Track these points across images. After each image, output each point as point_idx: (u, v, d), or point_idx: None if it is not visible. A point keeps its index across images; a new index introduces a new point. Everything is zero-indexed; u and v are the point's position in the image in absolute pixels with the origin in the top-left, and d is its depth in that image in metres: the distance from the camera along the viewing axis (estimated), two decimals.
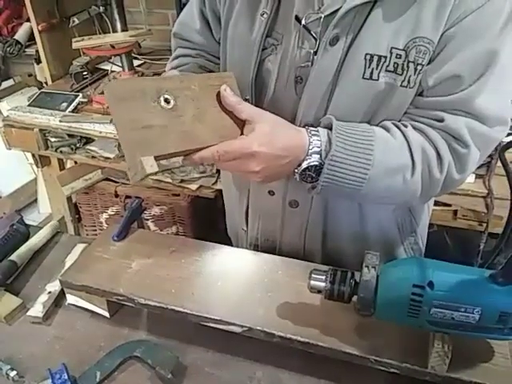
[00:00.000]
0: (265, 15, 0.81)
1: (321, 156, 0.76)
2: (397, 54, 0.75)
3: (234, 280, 0.85)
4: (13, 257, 0.99)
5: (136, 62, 2.15)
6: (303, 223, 0.94)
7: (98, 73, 2.18)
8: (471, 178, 1.51)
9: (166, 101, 0.74)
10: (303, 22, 0.78)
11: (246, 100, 0.85)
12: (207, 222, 2.07)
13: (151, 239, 0.95)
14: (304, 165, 0.76)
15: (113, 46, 1.93)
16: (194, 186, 1.82)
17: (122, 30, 2.01)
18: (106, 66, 2.17)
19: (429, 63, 0.76)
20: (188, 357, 0.82)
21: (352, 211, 0.92)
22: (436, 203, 1.56)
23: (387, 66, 0.75)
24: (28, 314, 0.90)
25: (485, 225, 1.53)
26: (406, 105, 0.80)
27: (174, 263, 0.88)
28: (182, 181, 1.84)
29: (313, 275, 0.72)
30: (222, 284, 0.84)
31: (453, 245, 1.76)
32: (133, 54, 2.11)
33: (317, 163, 0.76)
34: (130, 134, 0.70)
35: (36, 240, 1.05)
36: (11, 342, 0.86)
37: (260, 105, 0.86)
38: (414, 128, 0.79)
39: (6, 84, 2.60)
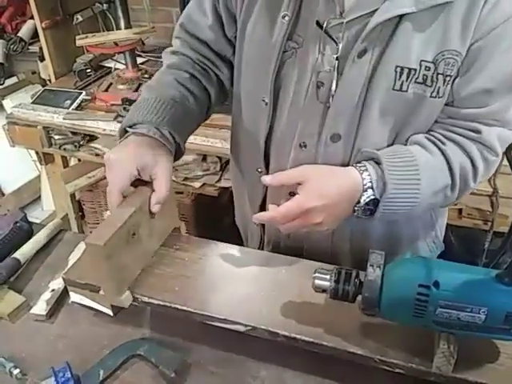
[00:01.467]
0: (286, 18, 0.80)
1: (373, 190, 0.79)
2: (426, 67, 0.76)
3: (238, 278, 0.85)
4: (16, 254, 0.99)
5: (139, 60, 2.15)
6: None
7: (101, 70, 2.18)
8: None
9: (133, 234, 0.81)
10: (324, 27, 0.78)
11: (263, 101, 0.87)
12: (211, 219, 2.06)
13: None
14: (362, 202, 0.80)
15: (116, 44, 1.93)
16: (197, 184, 1.82)
17: (126, 28, 2.00)
18: (110, 64, 2.17)
19: (458, 74, 0.78)
20: (191, 355, 0.81)
21: None
22: None
23: (416, 78, 0.77)
24: (31, 311, 0.90)
25: (490, 223, 1.53)
26: (435, 114, 0.83)
27: (178, 261, 0.88)
28: (185, 178, 1.83)
29: (317, 274, 0.72)
30: (226, 282, 0.84)
31: (458, 243, 1.74)
32: (136, 52, 2.10)
33: (372, 197, 0.80)
34: (111, 279, 0.78)
35: (39, 238, 1.04)
36: (14, 340, 0.86)
37: (278, 108, 0.88)
38: (450, 140, 0.83)
39: (9, 81, 2.60)
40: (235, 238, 1.12)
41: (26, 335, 0.87)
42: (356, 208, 0.81)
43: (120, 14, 1.98)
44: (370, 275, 0.67)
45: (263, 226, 1.04)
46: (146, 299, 0.81)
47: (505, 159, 1.42)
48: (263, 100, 0.87)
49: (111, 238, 0.74)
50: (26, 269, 1.00)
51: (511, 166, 0.74)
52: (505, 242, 0.75)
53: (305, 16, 0.80)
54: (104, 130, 1.83)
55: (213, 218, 2.05)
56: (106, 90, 1.98)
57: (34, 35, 2.35)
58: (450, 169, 0.81)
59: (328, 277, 0.71)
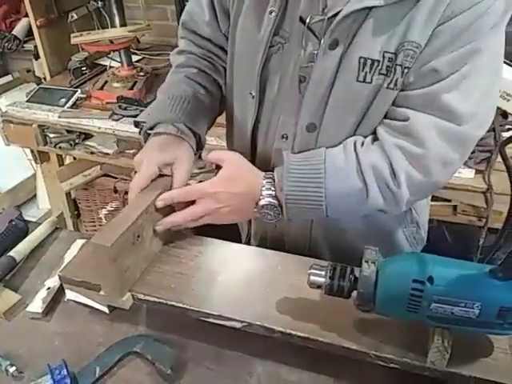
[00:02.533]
0: (273, 13, 0.82)
1: (273, 196, 0.83)
2: (389, 58, 0.76)
3: (233, 275, 0.85)
4: (12, 252, 0.98)
5: (135, 58, 2.15)
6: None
7: (96, 68, 2.17)
8: (471, 174, 1.50)
9: (138, 237, 0.81)
10: (307, 22, 0.79)
11: (250, 94, 0.89)
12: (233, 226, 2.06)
13: None
14: (260, 204, 0.84)
15: (111, 42, 1.93)
16: (193, 182, 1.82)
17: (121, 25, 2.00)
18: (105, 62, 2.17)
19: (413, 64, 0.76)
20: (187, 352, 0.81)
21: None
22: (436, 199, 1.56)
23: (380, 69, 0.77)
24: (27, 309, 0.89)
25: (484, 220, 1.53)
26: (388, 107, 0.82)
27: (174, 259, 0.88)
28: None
29: (312, 270, 0.72)
30: (222, 279, 0.84)
31: (452, 240, 1.76)
32: (131, 50, 2.10)
33: (270, 203, 0.83)
34: (115, 280, 0.78)
35: (35, 236, 1.04)
36: (10, 338, 0.86)
37: (265, 101, 0.90)
38: (375, 137, 0.82)
39: (4, 80, 2.60)
40: (232, 235, 1.13)
41: (22, 333, 0.87)
42: (255, 209, 0.85)
43: (115, 11, 1.97)
44: (364, 271, 0.68)
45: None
46: (142, 296, 0.81)
47: (499, 156, 1.43)
48: (250, 93, 0.90)
49: (118, 240, 0.74)
50: (22, 267, 1.00)
51: (505, 162, 0.73)
52: (499, 238, 0.76)
53: (290, 12, 0.82)
54: (99, 128, 1.82)
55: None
56: (101, 88, 1.97)
57: (29, 33, 2.34)
58: (361, 172, 0.80)
59: (323, 273, 0.71)
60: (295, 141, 0.89)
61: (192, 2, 1.00)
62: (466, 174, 1.50)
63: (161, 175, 0.88)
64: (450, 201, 1.57)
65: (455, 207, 1.58)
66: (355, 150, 0.82)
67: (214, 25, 0.97)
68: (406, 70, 0.77)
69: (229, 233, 1.11)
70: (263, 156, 0.96)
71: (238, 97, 0.97)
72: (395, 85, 0.78)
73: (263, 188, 0.84)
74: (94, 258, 0.77)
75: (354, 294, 0.70)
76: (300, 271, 0.81)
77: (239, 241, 1.15)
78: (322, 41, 0.79)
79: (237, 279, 0.84)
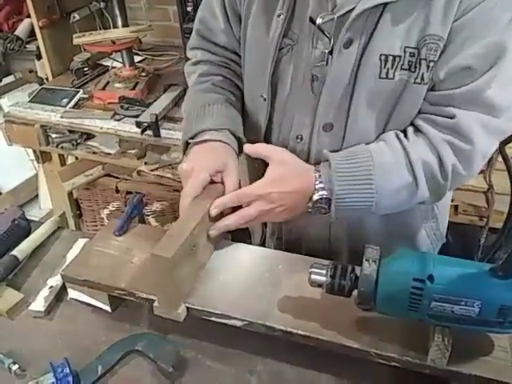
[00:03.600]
0: (281, 16, 0.83)
1: (325, 190, 0.81)
2: (410, 53, 0.77)
3: (235, 274, 0.85)
4: (14, 251, 0.99)
5: (137, 58, 2.15)
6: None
7: (98, 69, 2.18)
8: None
9: (194, 246, 0.80)
10: (317, 22, 0.80)
11: (261, 97, 0.90)
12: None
13: (152, 234, 0.94)
14: (313, 200, 0.82)
15: (113, 42, 1.93)
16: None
17: (123, 26, 2.00)
18: (107, 62, 2.17)
19: (439, 57, 0.77)
20: (189, 351, 0.82)
21: None
22: None
23: (402, 64, 0.78)
24: (30, 308, 0.90)
25: (485, 220, 1.53)
26: (419, 102, 0.82)
27: None
28: None
29: (313, 269, 0.72)
30: (223, 278, 0.84)
31: (453, 240, 1.75)
32: (134, 50, 2.10)
33: (325, 197, 0.82)
34: (173, 291, 0.77)
35: (37, 235, 1.05)
36: (13, 337, 0.86)
37: (276, 102, 0.90)
38: (420, 133, 0.82)
39: (6, 80, 2.60)
40: (237, 234, 1.13)
41: (25, 332, 0.87)
42: (308, 205, 0.83)
43: (117, 12, 1.98)
44: (365, 270, 0.68)
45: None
46: (144, 295, 0.82)
47: (500, 156, 1.43)
48: (261, 96, 0.90)
49: (178, 251, 0.73)
50: (24, 266, 1.00)
51: (505, 161, 0.73)
52: (499, 238, 0.76)
53: (299, 14, 0.82)
54: (101, 128, 1.83)
55: None
56: (104, 89, 1.97)
57: (31, 34, 2.34)
58: (410, 165, 0.80)
59: (324, 272, 0.71)
60: (311, 141, 0.89)
61: (204, 9, 0.99)
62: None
63: (211, 182, 0.86)
64: (451, 200, 1.57)
65: (456, 207, 1.58)
66: (401, 143, 0.82)
67: (229, 32, 0.97)
68: (431, 64, 0.77)
69: (238, 233, 1.11)
70: None
71: (249, 99, 0.97)
72: (422, 79, 0.78)
73: (316, 182, 0.82)
74: (154, 269, 0.75)
75: (355, 292, 0.70)
76: (301, 270, 0.81)
77: (249, 241, 1.14)
78: (336, 40, 0.79)
79: (238, 278, 0.85)
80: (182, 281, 0.78)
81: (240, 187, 0.87)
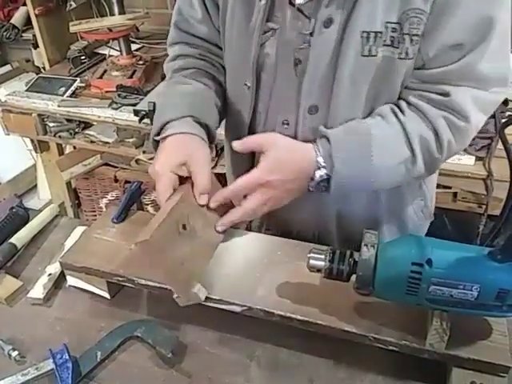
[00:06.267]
0: (263, 1, 0.81)
1: (326, 168, 0.80)
2: (392, 28, 0.76)
3: (233, 260, 0.86)
4: (13, 239, 0.99)
5: (134, 46, 2.14)
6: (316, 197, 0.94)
7: (95, 57, 2.16)
8: (471, 161, 1.50)
9: (184, 227, 0.79)
10: (297, 4, 0.79)
11: (245, 86, 0.88)
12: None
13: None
14: (315, 180, 0.81)
15: (110, 30, 1.92)
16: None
17: (120, 14, 1.99)
18: (104, 51, 2.16)
19: (425, 33, 0.76)
20: (188, 336, 0.82)
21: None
22: (436, 185, 1.56)
23: (384, 40, 0.77)
24: (28, 295, 0.90)
25: (484, 207, 1.53)
26: (406, 79, 0.81)
27: None
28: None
29: (312, 254, 0.72)
30: (222, 264, 0.84)
31: (452, 227, 1.76)
32: (131, 38, 2.09)
33: (325, 177, 0.81)
34: (175, 276, 0.75)
35: (36, 223, 1.05)
36: (12, 323, 0.86)
37: (261, 89, 0.89)
38: (415, 108, 0.81)
39: (3, 70, 2.59)
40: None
41: (24, 318, 0.87)
42: (311, 184, 0.82)
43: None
44: (363, 254, 0.68)
45: None
46: (142, 282, 0.82)
47: (499, 143, 1.43)
48: (245, 84, 0.88)
49: (156, 231, 0.73)
50: (23, 254, 1.00)
51: (504, 144, 0.73)
52: (497, 224, 0.76)
53: None
54: (99, 116, 1.82)
55: None
56: (101, 77, 1.96)
57: (27, 22, 2.33)
58: (408, 141, 0.80)
59: (322, 256, 0.71)
60: (297, 126, 0.88)
61: (182, 0, 0.96)
62: (467, 161, 1.50)
63: (181, 178, 0.83)
64: (450, 188, 1.57)
65: (455, 194, 1.58)
66: (398, 118, 0.81)
67: (208, 22, 0.94)
68: (414, 38, 0.76)
69: None
70: None
71: (232, 90, 0.96)
72: (406, 54, 0.78)
73: (317, 160, 0.80)
74: (145, 258, 0.75)
75: (354, 277, 0.70)
76: (300, 256, 0.81)
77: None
78: (315, 20, 0.78)
79: (237, 264, 0.85)
80: (183, 261, 0.76)
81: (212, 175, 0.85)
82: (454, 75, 0.78)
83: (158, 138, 0.87)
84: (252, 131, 0.94)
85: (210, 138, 0.90)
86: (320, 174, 0.81)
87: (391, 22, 0.75)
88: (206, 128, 0.89)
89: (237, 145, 0.84)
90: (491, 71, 0.78)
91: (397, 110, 0.82)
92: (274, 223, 1.04)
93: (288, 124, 0.89)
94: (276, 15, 0.82)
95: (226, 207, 0.86)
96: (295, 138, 0.88)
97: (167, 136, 0.85)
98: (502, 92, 0.81)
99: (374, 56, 0.78)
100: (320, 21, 0.78)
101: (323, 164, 0.80)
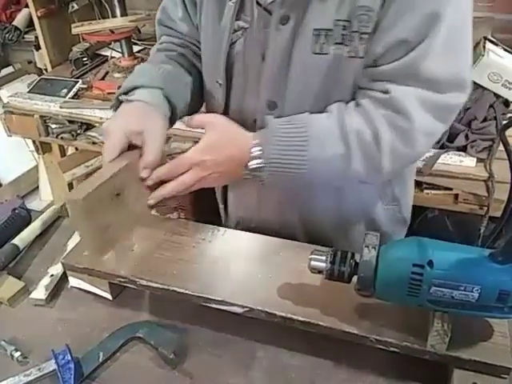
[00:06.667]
0: (233, 0, 0.83)
1: (261, 158, 0.81)
2: (342, 26, 0.76)
3: (235, 262, 0.86)
4: (15, 240, 0.99)
5: (136, 48, 2.15)
6: (279, 197, 0.96)
7: (97, 59, 2.17)
8: (472, 162, 1.50)
9: (118, 195, 0.80)
10: (263, 3, 0.81)
11: (217, 83, 0.90)
12: (209, 208, 2.06)
13: (153, 222, 0.95)
14: (249, 168, 0.82)
15: (112, 32, 1.93)
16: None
17: (122, 16, 2.00)
18: (106, 52, 2.17)
19: (375, 31, 0.76)
20: (190, 337, 0.82)
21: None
22: (437, 187, 1.56)
23: (335, 38, 0.77)
24: (31, 296, 0.90)
25: (486, 208, 1.53)
26: (357, 75, 0.81)
27: (176, 245, 0.88)
28: None
29: (313, 256, 0.72)
30: (224, 266, 0.84)
31: (454, 229, 1.76)
32: (132, 40, 2.10)
33: (260, 166, 0.81)
34: (95, 238, 0.77)
35: (38, 224, 1.05)
36: (15, 324, 0.87)
37: (232, 87, 0.91)
38: (359, 106, 0.81)
39: (5, 71, 2.60)
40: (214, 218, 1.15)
41: (26, 319, 0.88)
42: (245, 172, 0.83)
43: (115, 1, 1.98)
44: (365, 256, 0.68)
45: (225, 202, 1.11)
46: (144, 283, 0.82)
47: (501, 145, 1.43)
48: (217, 82, 0.91)
49: (91, 194, 0.74)
50: (25, 255, 1.01)
51: (505, 146, 0.73)
52: (498, 226, 0.76)
53: None
54: (101, 118, 1.83)
55: (211, 206, 2.05)
56: (103, 79, 1.97)
57: (30, 24, 2.34)
58: (345, 137, 0.79)
59: (324, 258, 0.72)
60: (263, 123, 0.87)
61: None
62: (468, 163, 1.50)
63: (131, 145, 0.85)
64: (451, 189, 1.57)
65: (456, 196, 1.58)
66: (340, 113, 0.81)
67: (188, 20, 0.97)
68: (364, 36, 0.76)
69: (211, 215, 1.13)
70: None
71: (206, 86, 0.98)
72: (356, 53, 0.78)
73: (252, 150, 0.81)
74: (71, 214, 0.77)
75: (355, 278, 0.70)
76: (301, 257, 0.81)
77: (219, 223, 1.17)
78: (273, 17, 0.79)
79: (238, 265, 0.85)
80: (107, 227, 0.79)
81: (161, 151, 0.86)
82: (399, 73, 0.77)
83: (123, 98, 0.88)
84: None
85: (173, 118, 0.92)
86: (255, 163, 0.81)
87: (341, 20, 0.76)
88: (172, 106, 0.91)
89: (185, 121, 0.88)
90: (441, 71, 0.76)
91: (342, 107, 0.82)
92: (247, 222, 1.05)
93: (255, 122, 0.90)
94: (245, 14, 0.84)
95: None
96: None
97: (133, 100, 0.87)
98: (458, 97, 0.79)
99: (326, 54, 0.79)
100: (277, 18, 0.79)
101: (258, 153, 0.81)
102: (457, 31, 0.76)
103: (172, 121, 0.92)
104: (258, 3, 0.82)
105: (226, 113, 0.94)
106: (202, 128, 0.85)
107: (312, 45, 0.78)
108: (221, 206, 1.14)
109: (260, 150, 0.81)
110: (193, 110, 1.00)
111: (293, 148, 0.80)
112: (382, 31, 0.76)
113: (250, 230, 0.95)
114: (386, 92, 0.78)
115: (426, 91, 0.77)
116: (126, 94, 0.89)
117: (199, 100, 1.01)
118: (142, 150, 0.84)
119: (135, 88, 0.88)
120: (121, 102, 0.89)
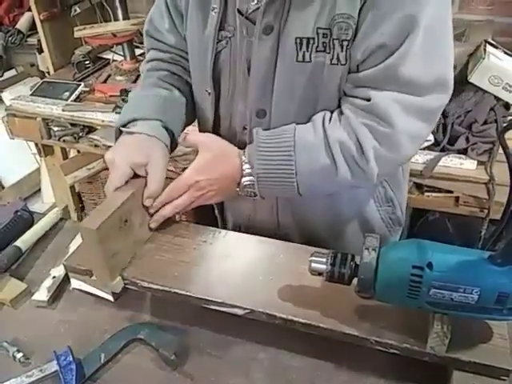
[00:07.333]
0: (215, 10, 0.84)
1: (251, 175, 0.84)
2: (323, 34, 0.77)
3: (236, 263, 0.86)
4: (17, 242, 1.00)
5: (138, 51, 2.15)
6: (273, 200, 0.97)
7: (100, 62, 2.19)
8: (473, 165, 1.51)
9: (126, 221, 0.82)
10: (244, 12, 0.82)
11: (206, 92, 0.92)
12: (210, 210, 2.07)
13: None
14: (242, 185, 0.86)
15: (114, 35, 1.94)
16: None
17: (124, 19, 2.01)
18: (108, 55, 2.18)
19: (355, 38, 0.77)
20: (191, 339, 0.83)
21: None
22: (438, 190, 1.57)
23: (317, 46, 0.78)
24: (33, 298, 0.91)
25: (486, 211, 1.54)
26: (340, 82, 0.81)
27: (177, 247, 0.89)
28: (184, 169, 1.84)
29: (313, 258, 0.73)
30: (225, 267, 0.85)
31: (454, 231, 1.76)
32: (134, 43, 2.11)
33: (252, 181, 0.84)
34: (104, 264, 0.79)
35: (40, 226, 1.06)
36: (17, 326, 0.87)
37: (221, 96, 0.92)
38: (342, 115, 0.82)
39: (8, 74, 2.61)
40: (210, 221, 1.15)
41: (29, 321, 0.88)
42: (238, 188, 0.87)
43: (118, 5, 1.99)
44: (365, 258, 0.69)
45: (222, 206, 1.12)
46: (146, 284, 0.82)
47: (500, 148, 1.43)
48: (206, 90, 0.92)
49: (104, 223, 0.76)
50: (28, 257, 1.01)
51: (504, 149, 0.73)
52: (498, 229, 0.76)
53: (232, 6, 0.84)
54: (103, 121, 1.84)
55: (212, 208, 2.06)
56: (105, 82, 1.98)
57: (32, 27, 2.35)
58: (329, 148, 0.80)
59: (324, 260, 0.72)
60: (253, 131, 0.88)
61: (154, 9, 1.00)
62: (468, 166, 1.50)
63: (135, 176, 0.87)
64: (452, 192, 1.57)
65: (457, 198, 1.58)
66: (323, 125, 0.82)
67: (174, 31, 0.97)
68: (344, 43, 0.77)
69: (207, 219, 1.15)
70: None
71: (196, 95, 0.98)
72: (338, 60, 0.78)
73: (243, 167, 0.85)
74: (83, 241, 0.79)
75: (355, 280, 0.70)
76: (301, 259, 0.81)
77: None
78: (256, 27, 0.80)
79: (239, 267, 0.85)
80: (116, 254, 0.80)
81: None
82: (379, 78, 0.77)
83: (125, 130, 0.90)
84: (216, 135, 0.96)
85: (173, 144, 0.94)
86: (247, 180, 0.85)
87: (321, 28, 0.77)
88: (171, 134, 0.93)
89: (180, 139, 0.90)
90: (419, 74, 0.76)
91: (327, 117, 0.83)
92: (242, 223, 1.06)
93: (245, 129, 0.91)
94: (229, 24, 0.85)
95: None
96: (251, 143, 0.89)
97: (134, 132, 0.89)
98: (439, 98, 0.79)
99: (308, 62, 0.79)
100: (261, 28, 0.80)
101: (248, 171, 0.84)
102: (435, 34, 0.76)
103: (172, 147, 0.95)
104: (239, 12, 0.83)
105: (216, 121, 0.95)
106: (195, 147, 0.88)
107: (295, 53, 0.79)
108: (216, 210, 1.15)
109: (249, 168, 0.84)
110: (189, 123, 1.02)
111: (279, 163, 0.82)
112: (361, 37, 0.76)
113: (244, 232, 0.96)
114: (367, 99, 0.79)
115: (407, 95, 0.77)
116: (124, 125, 0.91)
117: (194, 113, 1.02)
118: (147, 180, 0.87)
119: (134, 120, 0.90)
120: (121, 132, 0.91)
